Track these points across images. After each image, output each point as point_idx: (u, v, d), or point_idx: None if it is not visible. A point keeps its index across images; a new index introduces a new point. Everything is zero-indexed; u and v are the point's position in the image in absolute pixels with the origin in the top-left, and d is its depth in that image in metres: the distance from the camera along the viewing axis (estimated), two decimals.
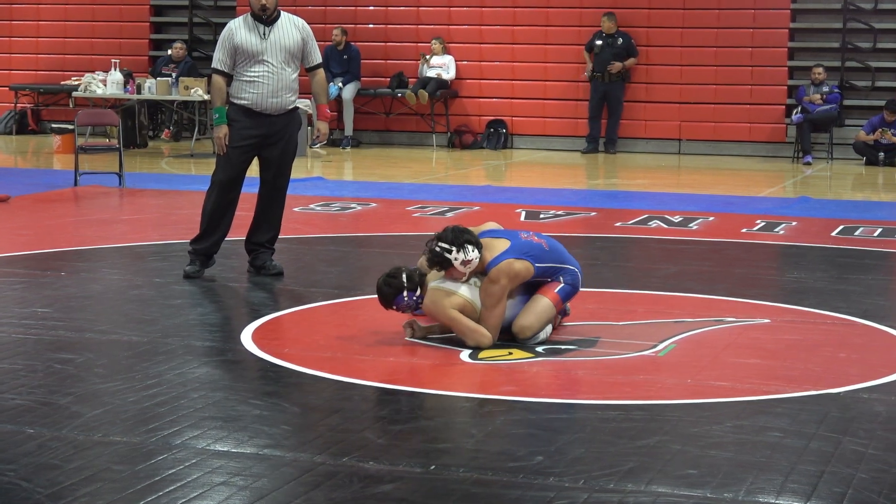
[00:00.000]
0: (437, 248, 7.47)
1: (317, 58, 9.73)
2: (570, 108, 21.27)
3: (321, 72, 9.79)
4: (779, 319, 8.37)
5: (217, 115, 9.53)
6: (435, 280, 7.61)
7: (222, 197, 9.60)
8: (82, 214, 13.51)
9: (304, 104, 19.86)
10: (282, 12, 9.55)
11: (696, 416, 6.16)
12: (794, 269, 10.66)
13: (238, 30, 9.45)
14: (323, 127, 9.90)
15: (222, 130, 9.49)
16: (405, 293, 7.51)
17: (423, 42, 21.80)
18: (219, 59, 9.52)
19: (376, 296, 7.61)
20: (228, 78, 9.50)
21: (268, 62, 9.44)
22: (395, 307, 7.58)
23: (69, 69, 23.01)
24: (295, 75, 9.60)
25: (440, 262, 7.51)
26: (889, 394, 6.60)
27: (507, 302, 7.53)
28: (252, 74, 9.44)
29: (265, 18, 9.45)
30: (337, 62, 21.43)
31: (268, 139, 9.58)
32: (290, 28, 9.55)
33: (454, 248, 7.44)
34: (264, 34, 9.44)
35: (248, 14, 9.51)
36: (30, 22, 23.93)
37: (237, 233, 9.91)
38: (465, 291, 7.52)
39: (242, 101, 9.50)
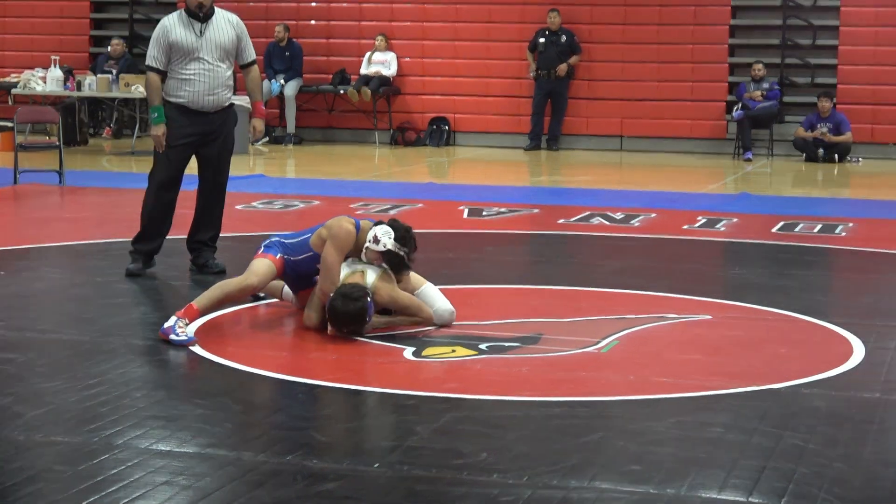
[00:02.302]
0: (400, 252, 7.75)
1: (251, 55, 9.69)
2: (513, 104, 21.31)
3: (255, 68, 9.77)
4: (720, 316, 8.43)
5: (155, 115, 9.44)
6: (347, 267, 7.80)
7: (162, 197, 9.55)
8: (22, 213, 13.41)
9: (247, 101, 19.82)
10: (216, 9, 9.49)
11: (639, 413, 6.19)
12: (736, 265, 10.73)
13: (173, 27, 9.37)
14: (259, 124, 9.87)
15: (160, 129, 9.42)
16: (371, 305, 7.54)
17: (365, 39, 21.78)
18: (153, 56, 9.42)
19: (339, 322, 7.51)
20: (163, 75, 9.44)
21: (203, 59, 9.38)
22: (367, 320, 7.56)
23: (8, 66, 22.79)
24: (230, 72, 9.57)
25: (399, 264, 7.82)
26: (829, 389, 6.66)
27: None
28: (188, 72, 9.38)
29: (201, 16, 9.39)
30: (279, 59, 21.37)
31: (206, 137, 9.53)
32: (225, 25, 9.49)
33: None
34: (200, 31, 9.38)
35: (183, 10, 9.43)
36: None
37: (178, 231, 9.87)
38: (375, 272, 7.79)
39: (179, 100, 9.44)
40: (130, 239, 9.67)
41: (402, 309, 7.78)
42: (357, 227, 7.82)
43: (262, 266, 7.85)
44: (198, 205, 9.73)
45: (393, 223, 7.88)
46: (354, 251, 7.84)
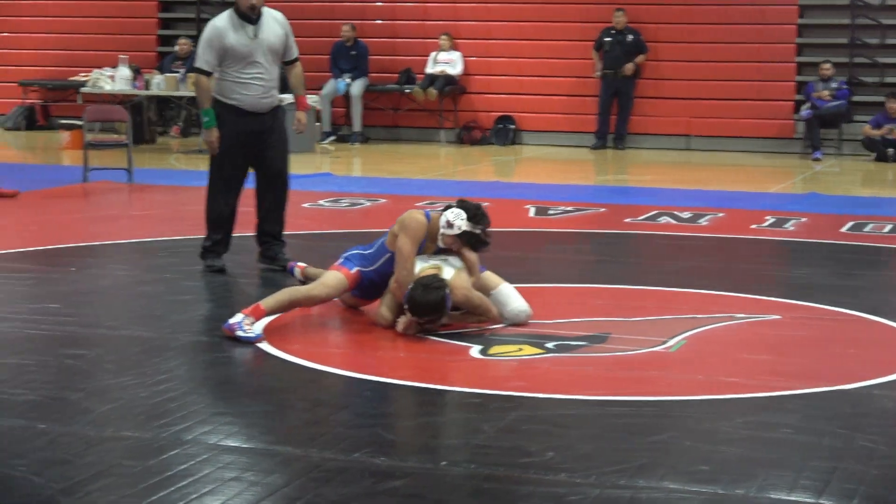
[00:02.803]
0: (476, 230, 7.83)
1: (295, 51, 9.69)
2: (578, 103, 21.25)
3: (299, 65, 9.77)
4: (789, 316, 8.37)
5: (206, 118, 9.41)
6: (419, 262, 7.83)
7: (223, 200, 9.57)
8: (91, 210, 13.52)
9: (313, 100, 19.88)
10: (263, 7, 9.43)
11: (708, 412, 6.15)
12: (804, 265, 10.64)
13: (227, 30, 9.28)
14: (303, 117, 9.87)
15: (214, 134, 9.40)
16: (449, 297, 7.57)
17: (430, 38, 21.79)
18: (206, 60, 9.33)
19: (419, 311, 7.51)
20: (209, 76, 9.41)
21: (259, 63, 9.36)
22: (446, 311, 7.58)
23: (77, 65, 23.00)
24: (278, 72, 9.61)
25: (476, 242, 7.94)
26: None
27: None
28: (245, 76, 9.35)
29: (253, 17, 9.33)
30: (345, 58, 21.41)
31: (262, 136, 9.53)
32: (274, 25, 9.46)
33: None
34: (254, 34, 9.34)
35: (232, 12, 9.36)
36: (38, 18, 23.94)
37: (242, 229, 9.91)
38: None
39: (232, 102, 9.42)
40: (199, 237, 9.72)
41: (475, 308, 7.78)
42: (427, 216, 7.85)
43: (333, 278, 7.90)
44: (263, 201, 9.74)
45: (462, 204, 7.92)
46: (430, 243, 7.86)
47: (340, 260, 8.05)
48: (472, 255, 7.93)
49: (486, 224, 7.90)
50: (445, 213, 7.84)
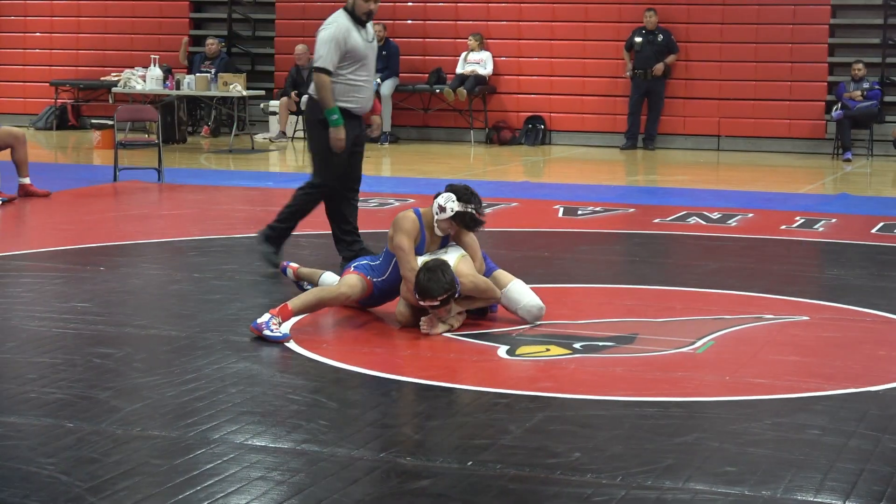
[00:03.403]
0: (468, 209, 7.89)
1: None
2: (609, 104, 21.23)
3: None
4: (818, 317, 8.34)
5: (335, 116, 9.37)
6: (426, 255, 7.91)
7: (320, 199, 9.67)
8: (122, 210, 13.57)
9: None
10: None
11: (735, 414, 6.14)
12: (834, 266, 10.60)
13: (351, 31, 9.33)
14: (379, 120, 10.02)
15: (342, 132, 9.40)
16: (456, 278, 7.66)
17: (461, 38, 21.79)
18: (331, 59, 9.31)
19: (429, 293, 7.55)
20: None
21: (369, 66, 9.53)
22: (456, 289, 7.66)
23: (109, 65, 23.12)
24: None
25: (471, 221, 7.99)
26: None
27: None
28: (360, 79, 9.45)
29: (365, 22, 9.42)
30: (377, 58, 21.38)
31: (359, 139, 9.71)
32: (372, 30, 9.65)
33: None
34: (369, 38, 9.45)
35: (347, 14, 9.39)
36: (70, 18, 24.04)
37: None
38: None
39: (347, 105, 9.45)
40: (228, 236, 9.73)
41: (482, 293, 7.84)
42: (417, 212, 7.97)
43: (354, 279, 7.96)
44: (343, 207, 9.80)
45: (450, 188, 8.04)
46: (431, 235, 7.97)
47: (350, 267, 8.12)
48: (471, 241, 8.02)
49: (477, 202, 8.01)
50: (436, 199, 7.95)
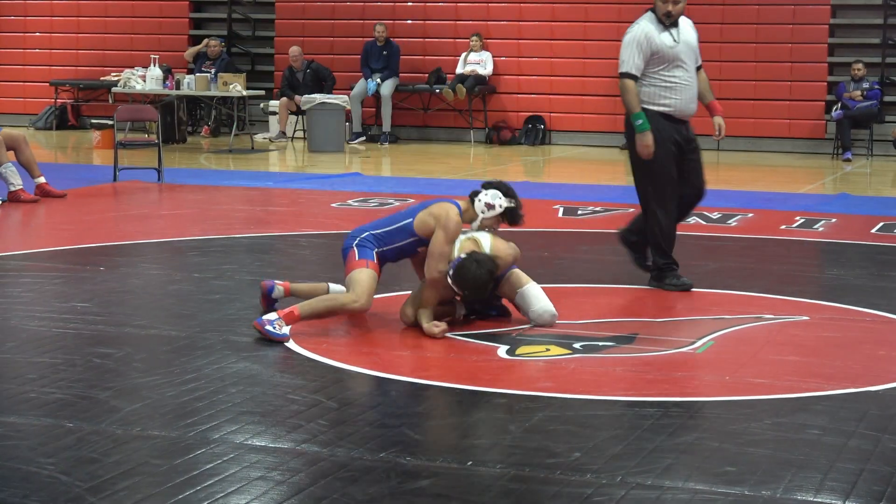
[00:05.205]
0: (513, 204, 8.08)
1: (700, 56, 9.51)
2: (609, 104, 21.20)
3: (703, 71, 9.59)
4: (818, 317, 8.34)
5: (640, 121, 9.08)
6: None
7: (668, 211, 9.34)
8: (121, 210, 13.57)
9: (343, 100, 19.92)
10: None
11: (735, 414, 6.14)
12: (834, 266, 10.60)
13: (652, 32, 9.10)
14: (720, 121, 9.69)
15: (649, 138, 9.08)
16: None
17: (461, 38, 21.80)
18: (634, 64, 9.08)
19: (471, 285, 7.59)
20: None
21: (685, 66, 9.21)
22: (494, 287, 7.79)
23: (109, 65, 23.14)
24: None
25: (517, 216, 8.16)
26: None
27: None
28: (674, 79, 9.16)
29: (667, 23, 9.16)
30: (376, 58, 21.42)
31: (688, 145, 9.38)
32: (689, 28, 9.36)
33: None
34: (677, 36, 9.19)
35: (652, 15, 9.19)
36: (70, 18, 24.05)
37: (269, 229, 9.92)
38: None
39: (661, 108, 9.20)
40: (229, 236, 9.71)
41: (516, 260, 8.00)
42: (458, 208, 7.97)
43: (367, 280, 7.76)
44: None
45: (489, 185, 8.16)
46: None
47: (354, 248, 7.90)
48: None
49: (517, 198, 8.15)
50: (480, 197, 8.04)
